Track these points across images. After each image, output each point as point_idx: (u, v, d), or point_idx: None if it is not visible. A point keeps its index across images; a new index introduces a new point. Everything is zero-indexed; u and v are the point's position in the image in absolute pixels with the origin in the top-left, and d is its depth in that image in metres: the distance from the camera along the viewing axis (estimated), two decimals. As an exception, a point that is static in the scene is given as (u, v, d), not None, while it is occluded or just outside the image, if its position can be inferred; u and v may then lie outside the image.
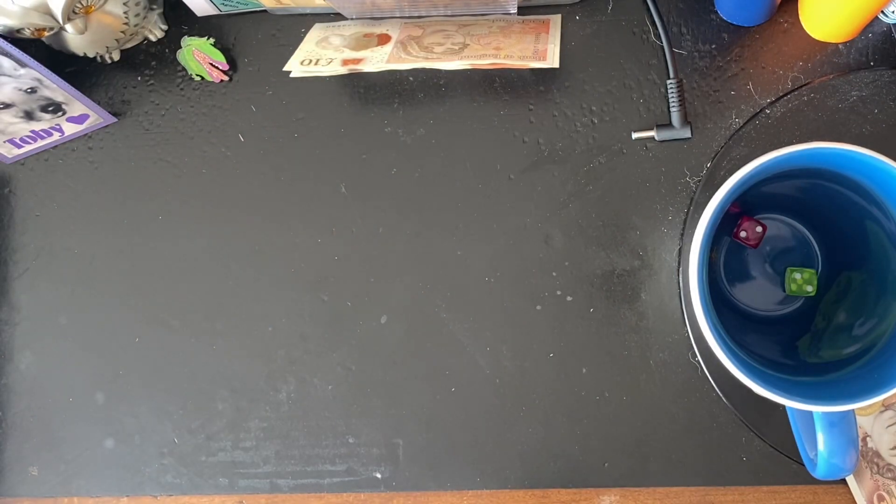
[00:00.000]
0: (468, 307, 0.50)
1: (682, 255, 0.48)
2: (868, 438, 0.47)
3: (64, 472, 0.51)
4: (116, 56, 0.52)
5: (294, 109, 0.51)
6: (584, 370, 0.49)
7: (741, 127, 0.48)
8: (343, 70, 0.46)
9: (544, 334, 0.50)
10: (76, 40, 0.48)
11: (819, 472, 0.42)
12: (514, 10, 0.49)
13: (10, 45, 0.43)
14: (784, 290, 0.50)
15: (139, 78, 0.52)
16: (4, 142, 0.51)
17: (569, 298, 0.50)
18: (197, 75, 0.51)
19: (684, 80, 0.49)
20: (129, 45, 0.52)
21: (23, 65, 0.44)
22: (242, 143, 0.52)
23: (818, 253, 0.50)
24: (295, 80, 0.49)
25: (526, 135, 0.50)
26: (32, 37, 0.45)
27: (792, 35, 0.49)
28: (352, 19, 0.51)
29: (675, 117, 0.48)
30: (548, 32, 0.47)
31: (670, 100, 0.48)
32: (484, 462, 0.50)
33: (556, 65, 0.44)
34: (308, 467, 0.51)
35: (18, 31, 0.44)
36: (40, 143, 0.52)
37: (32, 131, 0.50)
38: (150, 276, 0.51)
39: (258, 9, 0.51)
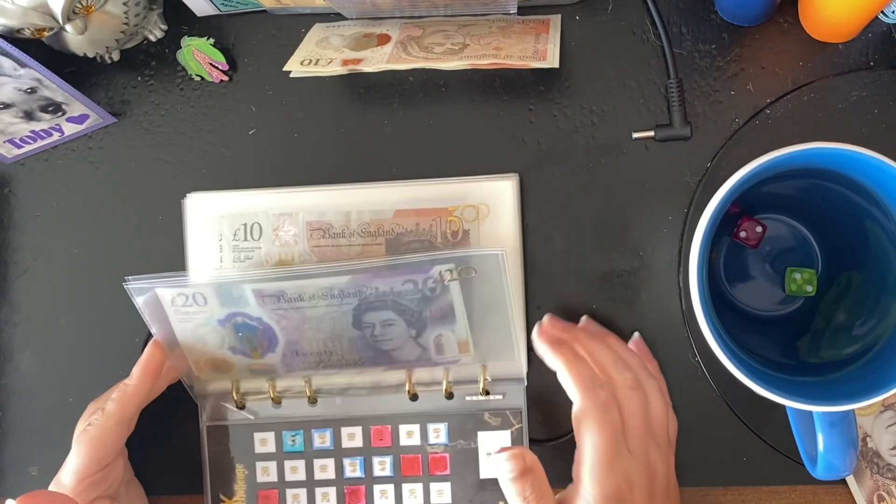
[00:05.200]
0: (468, 307, 0.50)
1: (682, 255, 0.48)
2: (868, 438, 0.47)
3: (64, 472, 0.51)
4: (116, 56, 0.52)
5: (294, 109, 0.51)
6: (584, 370, 0.49)
7: (741, 127, 0.48)
8: (343, 70, 0.46)
9: (544, 334, 0.50)
10: (76, 40, 0.48)
11: (819, 472, 0.42)
12: (514, 10, 0.49)
13: (10, 45, 0.43)
14: (784, 290, 0.50)
15: (139, 78, 0.52)
16: (4, 142, 0.51)
17: (569, 298, 0.50)
18: (197, 75, 0.51)
19: (684, 80, 0.49)
20: (129, 45, 0.52)
21: (23, 65, 0.44)
22: (242, 143, 0.51)
23: (818, 253, 0.50)
24: (295, 80, 0.49)
25: (526, 135, 0.50)
26: (32, 37, 0.45)
27: (792, 35, 0.49)
28: (352, 19, 0.51)
29: (675, 117, 0.48)
30: (548, 32, 0.47)
31: (670, 100, 0.48)
32: (484, 462, 0.50)
33: (556, 65, 0.44)
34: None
35: (18, 31, 0.44)
36: (40, 143, 0.52)
37: (32, 131, 0.50)
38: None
39: (258, 9, 0.51)
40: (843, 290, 0.48)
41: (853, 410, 0.40)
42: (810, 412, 0.40)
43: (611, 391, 0.42)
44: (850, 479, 0.48)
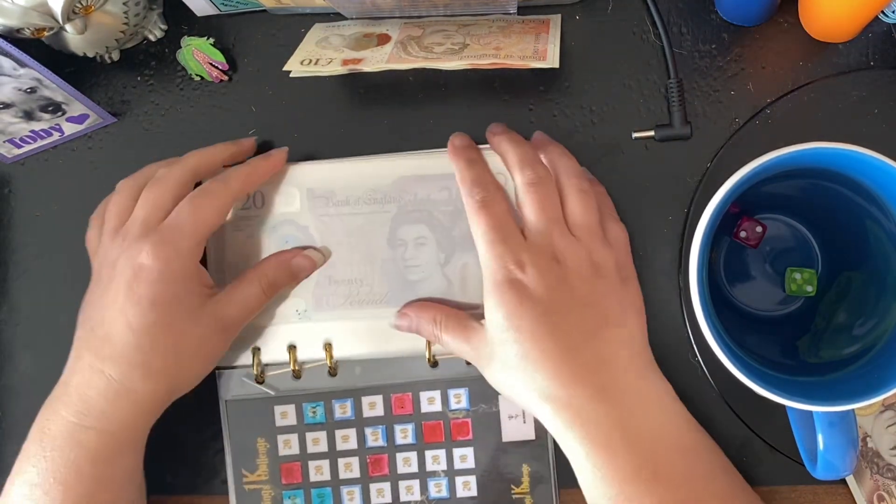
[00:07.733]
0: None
1: (682, 255, 0.48)
2: (868, 438, 0.47)
3: (64, 472, 0.51)
4: (116, 56, 0.52)
5: (294, 109, 0.51)
6: (584, 370, 0.49)
7: (741, 127, 0.48)
8: (343, 70, 0.46)
9: (544, 334, 0.50)
10: (76, 40, 0.48)
11: (819, 472, 0.42)
12: (514, 10, 0.49)
13: (10, 45, 0.43)
14: (784, 290, 0.50)
15: (139, 78, 0.52)
16: (4, 142, 0.51)
17: (569, 298, 0.50)
18: (197, 75, 0.51)
19: (684, 80, 0.49)
20: (129, 45, 0.52)
21: (23, 65, 0.44)
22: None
23: (818, 253, 0.50)
24: (295, 80, 0.49)
25: (526, 135, 0.50)
26: (32, 37, 0.45)
27: (792, 35, 0.49)
28: (352, 19, 0.51)
29: (675, 117, 0.48)
30: (548, 32, 0.47)
31: (670, 100, 0.48)
32: (484, 462, 0.50)
33: (556, 65, 0.44)
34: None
35: (18, 31, 0.44)
36: (40, 143, 0.52)
37: (32, 131, 0.50)
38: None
39: (258, 9, 0.51)
40: (843, 290, 0.48)
41: (853, 410, 0.40)
42: (810, 412, 0.40)
43: (491, 190, 0.45)
44: (850, 479, 0.48)
